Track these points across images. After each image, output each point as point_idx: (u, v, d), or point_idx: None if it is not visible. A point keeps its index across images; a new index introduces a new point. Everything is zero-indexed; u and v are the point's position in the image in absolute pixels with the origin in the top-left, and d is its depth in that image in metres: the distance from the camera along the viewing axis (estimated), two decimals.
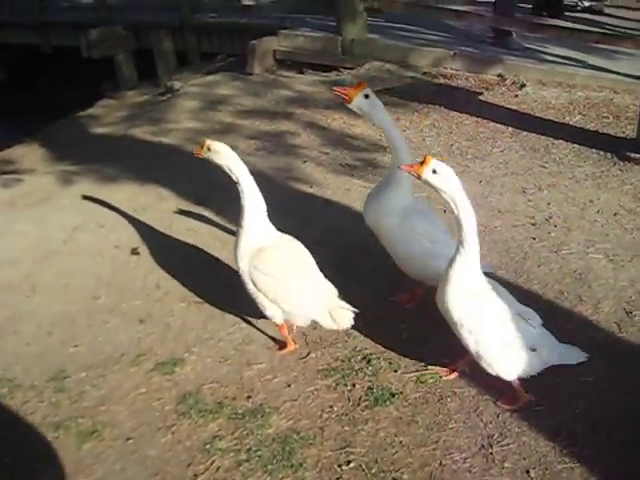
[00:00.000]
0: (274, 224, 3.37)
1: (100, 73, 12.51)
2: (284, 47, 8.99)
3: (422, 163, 2.66)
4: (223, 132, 7.05)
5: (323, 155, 6.12)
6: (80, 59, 12.24)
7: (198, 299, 3.95)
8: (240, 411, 3.09)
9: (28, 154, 8.39)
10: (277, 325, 3.45)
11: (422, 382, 3.22)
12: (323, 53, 8.73)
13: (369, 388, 3.20)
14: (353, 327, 3.43)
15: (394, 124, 3.44)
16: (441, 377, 3.23)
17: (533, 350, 2.86)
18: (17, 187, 5.89)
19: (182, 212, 5.01)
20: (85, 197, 5.36)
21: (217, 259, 4.34)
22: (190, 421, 3.05)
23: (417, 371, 3.29)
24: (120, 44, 11.26)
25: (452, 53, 8.30)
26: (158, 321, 3.78)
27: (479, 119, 6.86)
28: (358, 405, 3.10)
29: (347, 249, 4.37)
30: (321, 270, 3.43)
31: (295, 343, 3.51)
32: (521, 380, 2.96)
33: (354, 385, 3.23)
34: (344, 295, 3.43)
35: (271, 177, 5.65)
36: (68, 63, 13.57)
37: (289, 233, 3.45)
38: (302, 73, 8.72)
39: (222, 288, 3.94)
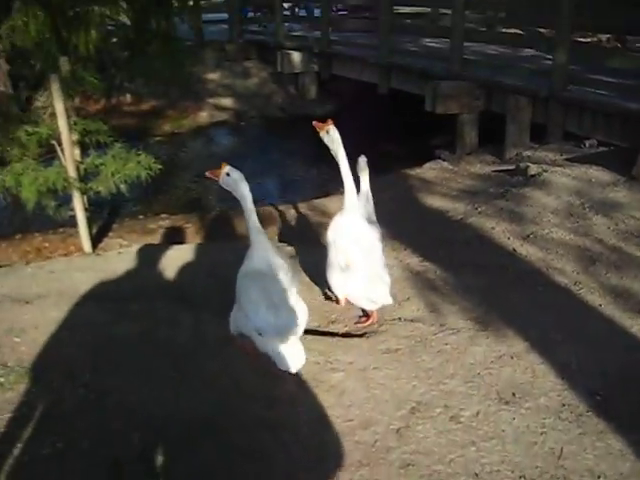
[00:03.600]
0: None
1: (434, 128, 11.41)
2: None
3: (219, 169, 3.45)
4: (613, 265, 5.17)
5: None
6: (414, 107, 11.21)
7: None
8: None
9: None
10: None
11: None
12: None
13: None
14: None
15: (346, 161, 3.96)
16: None
17: (259, 334, 3.29)
18: None
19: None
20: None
21: None
22: None
23: None
24: (469, 103, 9.90)
25: None
26: None
27: None
28: None
29: None
30: None
31: None
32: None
33: None
34: None
35: None
36: (400, 109, 12.70)
37: None
38: None
39: None
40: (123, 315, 4.06)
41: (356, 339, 3.95)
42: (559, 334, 4.11)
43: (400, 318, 4.26)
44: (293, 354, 3.25)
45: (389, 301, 3.93)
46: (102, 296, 4.39)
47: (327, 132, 3.94)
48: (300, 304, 3.51)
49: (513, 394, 3.40)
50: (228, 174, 3.41)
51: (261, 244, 3.47)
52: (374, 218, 4.59)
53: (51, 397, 3.28)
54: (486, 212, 6.68)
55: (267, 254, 3.47)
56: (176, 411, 3.21)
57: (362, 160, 4.60)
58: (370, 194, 4.65)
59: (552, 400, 3.38)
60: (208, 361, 3.59)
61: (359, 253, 3.93)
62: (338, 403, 3.28)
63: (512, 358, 3.77)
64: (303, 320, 3.44)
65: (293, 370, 3.25)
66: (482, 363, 3.70)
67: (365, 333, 4.06)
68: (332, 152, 4.00)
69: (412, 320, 4.23)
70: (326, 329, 4.16)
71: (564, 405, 3.34)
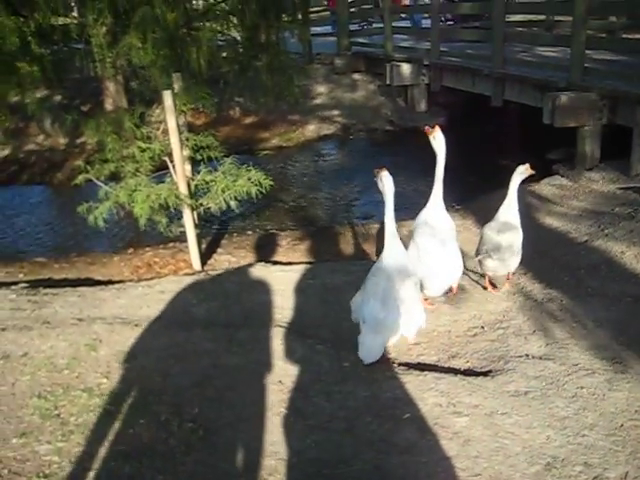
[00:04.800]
0: None
1: (551, 141, 10.82)
2: None
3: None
4: None
5: None
6: (529, 120, 10.66)
7: None
8: None
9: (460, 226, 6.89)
10: None
11: None
12: None
13: None
14: None
15: (443, 165, 4.52)
16: None
17: (363, 322, 3.62)
18: None
19: None
20: None
21: None
22: None
23: None
24: (591, 115, 9.29)
25: None
26: None
27: None
28: None
29: None
30: None
31: None
32: None
33: None
34: None
35: None
36: (515, 122, 12.19)
37: None
38: None
39: None
40: (232, 343, 3.90)
41: (480, 378, 3.63)
42: None
43: (527, 355, 3.90)
44: (372, 347, 3.58)
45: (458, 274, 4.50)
46: (211, 321, 4.26)
47: (434, 137, 4.44)
48: (417, 308, 3.79)
49: None
50: (382, 178, 3.81)
51: (393, 248, 3.82)
52: (516, 223, 4.86)
53: (158, 431, 3.15)
54: (613, 234, 6.17)
55: (397, 257, 3.81)
56: (287, 453, 3.00)
57: (520, 168, 5.01)
58: (513, 201, 4.94)
59: None
60: (322, 399, 3.37)
61: (432, 242, 4.37)
62: (463, 453, 2.97)
63: None
64: (413, 323, 3.74)
65: (365, 362, 3.61)
66: (625, 412, 3.29)
67: (490, 371, 3.73)
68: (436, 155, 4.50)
69: (540, 358, 3.86)
70: (446, 365, 3.86)
71: None
